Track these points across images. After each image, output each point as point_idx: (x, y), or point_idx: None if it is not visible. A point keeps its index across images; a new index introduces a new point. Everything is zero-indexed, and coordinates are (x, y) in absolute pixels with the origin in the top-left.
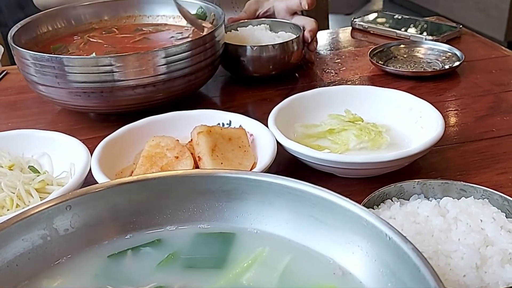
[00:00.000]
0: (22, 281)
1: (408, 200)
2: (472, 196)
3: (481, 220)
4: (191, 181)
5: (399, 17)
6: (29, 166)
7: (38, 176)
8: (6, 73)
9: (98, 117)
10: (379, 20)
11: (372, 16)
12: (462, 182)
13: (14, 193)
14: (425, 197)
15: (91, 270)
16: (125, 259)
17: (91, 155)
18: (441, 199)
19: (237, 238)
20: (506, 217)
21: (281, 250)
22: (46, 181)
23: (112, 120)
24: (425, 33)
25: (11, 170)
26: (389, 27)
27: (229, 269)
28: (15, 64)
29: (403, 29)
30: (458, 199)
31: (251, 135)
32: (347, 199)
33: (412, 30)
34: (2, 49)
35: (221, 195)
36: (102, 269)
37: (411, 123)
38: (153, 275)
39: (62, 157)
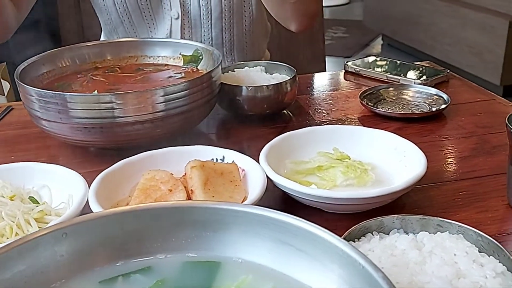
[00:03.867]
0: None
1: (388, 234)
2: (448, 231)
3: (455, 254)
4: (180, 211)
5: (390, 62)
6: (29, 197)
7: (37, 206)
8: (12, 109)
9: (97, 151)
10: (371, 63)
11: (364, 60)
12: (439, 218)
13: (14, 222)
14: (404, 231)
15: None
16: (115, 284)
17: (89, 187)
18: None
19: (222, 266)
20: (479, 252)
21: (263, 278)
22: (45, 211)
23: (111, 154)
24: (414, 77)
25: (12, 200)
26: (380, 70)
27: None
28: (20, 99)
29: (393, 73)
30: (434, 234)
31: (243, 170)
32: (326, 230)
33: (402, 74)
34: (8, 85)
35: (209, 226)
36: None
37: (395, 162)
38: None
39: (61, 189)
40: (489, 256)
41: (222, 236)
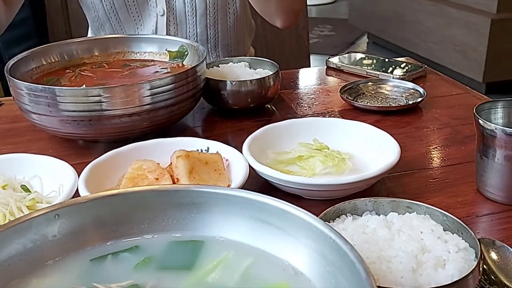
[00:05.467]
0: (14, 279)
1: (361, 216)
2: (416, 212)
3: (421, 232)
4: (166, 195)
5: (371, 58)
6: (21, 185)
7: (29, 194)
8: (1, 104)
9: (86, 144)
10: (352, 59)
11: (346, 56)
12: (408, 200)
13: (7, 209)
14: (376, 213)
15: (75, 271)
16: (105, 262)
17: (78, 177)
18: None
19: (205, 245)
20: (444, 230)
21: (243, 255)
22: (37, 199)
23: (99, 147)
24: (392, 72)
25: (4, 189)
26: (360, 66)
27: (197, 270)
28: (9, 95)
29: (373, 68)
30: (403, 215)
31: (227, 160)
32: (301, 209)
33: (381, 69)
34: None
35: (193, 208)
36: (85, 270)
37: (371, 151)
38: (130, 275)
39: (52, 179)
40: (453, 234)
41: (205, 217)
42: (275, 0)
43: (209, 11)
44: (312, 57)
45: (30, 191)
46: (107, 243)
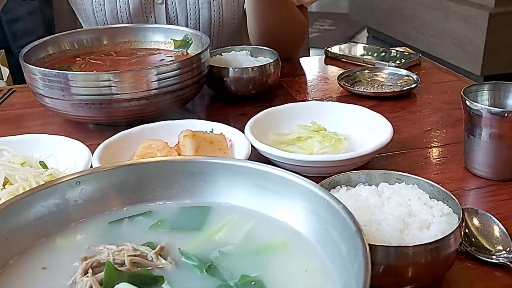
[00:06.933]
0: (40, 238)
1: (355, 187)
2: (404, 182)
3: (409, 199)
4: (177, 165)
5: (367, 47)
6: (39, 161)
7: (46, 170)
8: (13, 91)
9: (96, 127)
10: (350, 49)
11: (344, 46)
12: (398, 172)
13: (26, 184)
14: (368, 184)
15: (95, 232)
16: (122, 224)
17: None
18: None
19: (212, 210)
20: (430, 198)
21: (247, 218)
22: (54, 175)
23: (109, 131)
24: (388, 61)
25: (23, 166)
26: (357, 55)
27: (205, 230)
28: (18, 84)
29: (369, 57)
30: (393, 185)
31: (230, 140)
32: (297, 175)
33: (377, 58)
34: (8, 71)
35: (201, 177)
36: (104, 231)
37: (366, 132)
38: (145, 235)
39: (67, 158)
40: (438, 201)
41: (212, 185)
42: None
43: (213, 4)
44: (312, 51)
45: (47, 167)
46: (124, 208)
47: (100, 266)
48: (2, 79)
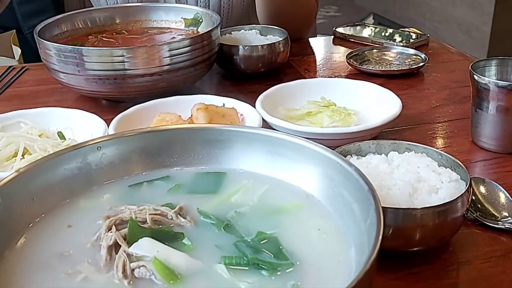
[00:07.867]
0: (64, 199)
1: (365, 156)
2: (414, 151)
3: (418, 167)
4: (193, 132)
5: (376, 27)
6: (58, 132)
7: (64, 141)
8: (27, 69)
9: (109, 103)
10: (358, 29)
11: (352, 26)
12: (407, 142)
13: (45, 154)
14: (378, 154)
15: (116, 194)
16: (141, 188)
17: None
18: None
19: (227, 175)
20: (439, 166)
21: (261, 182)
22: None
23: (122, 106)
24: (396, 40)
25: (41, 137)
26: (366, 35)
27: (221, 193)
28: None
29: (378, 37)
30: (402, 153)
31: (241, 114)
32: (310, 141)
33: (385, 38)
34: (20, 50)
35: (216, 144)
36: (125, 194)
37: (375, 107)
38: (164, 197)
39: (83, 130)
40: (446, 169)
41: (227, 152)
42: None
43: None
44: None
45: (65, 138)
46: (143, 173)
47: (123, 223)
48: (14, 58)
